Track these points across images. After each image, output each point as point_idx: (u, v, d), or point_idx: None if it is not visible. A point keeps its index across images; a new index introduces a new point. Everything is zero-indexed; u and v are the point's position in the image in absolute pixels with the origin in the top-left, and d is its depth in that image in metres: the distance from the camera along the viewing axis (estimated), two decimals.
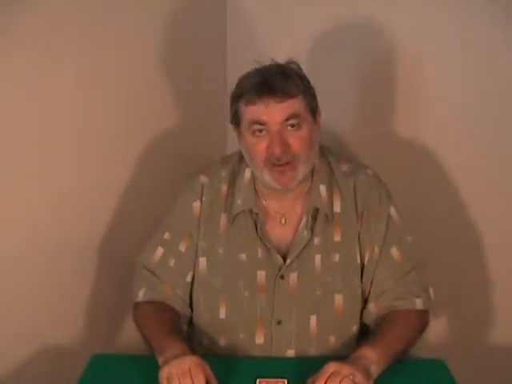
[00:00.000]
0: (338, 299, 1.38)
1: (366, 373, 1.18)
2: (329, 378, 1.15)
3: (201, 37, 1.85)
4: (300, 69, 1.37)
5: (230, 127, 1.93)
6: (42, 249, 1.45)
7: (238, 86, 1.36)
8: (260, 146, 1.32)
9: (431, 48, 1.66)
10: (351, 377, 1.15)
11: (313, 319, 1.38)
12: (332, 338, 1.39)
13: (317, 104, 1.38)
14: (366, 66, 1.76)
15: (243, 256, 1.40)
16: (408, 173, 1.70)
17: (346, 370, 1.16)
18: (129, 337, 1.68)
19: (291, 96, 1.30)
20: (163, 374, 1.17)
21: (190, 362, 1.18)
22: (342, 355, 1.26)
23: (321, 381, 1.15)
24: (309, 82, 1.36)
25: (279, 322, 1.38)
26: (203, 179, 1.45)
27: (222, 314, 1.40)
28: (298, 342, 1.38)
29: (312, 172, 1.41)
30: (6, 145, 1.35)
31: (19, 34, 1.34)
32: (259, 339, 1.38)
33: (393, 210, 1.42)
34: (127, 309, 1.68)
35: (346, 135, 1.78)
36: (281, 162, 1.31)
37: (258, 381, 1.24)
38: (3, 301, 1.38)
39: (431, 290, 1.41)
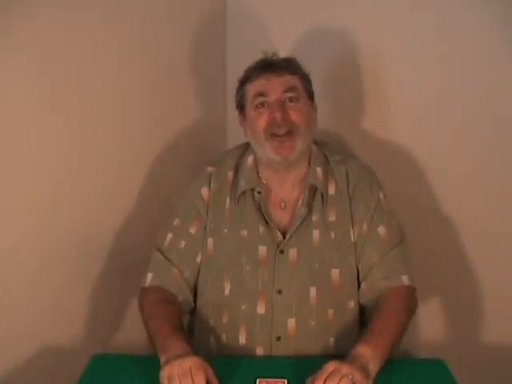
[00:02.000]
0: (335, 274, 1.43)
1: (365, 372, 1.19)
2: (328, 376, 1.16)
3: (201, 37, 1.85)
4: (299, 63, 1.49)
5: (230, 127, 1.97)
6: (42, 249, 1.45)
7: (244, 72, 1.48)
8: (262, 119, 1.42)
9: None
10: (350, 376, 1.16)
11: (312, 290, 1.42)
12: (330, 312, 1.43)
13: (313, 93, 1.49)
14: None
15: (245, 232, 1.45)
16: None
17: (345, 368, 1.17)
18: (129, 337, 1.68)
19: (290, 73, 1.44)
20: (164, 373, 1.18)
21: (191, 362, 1.19)
22: (341, 354, 1.27)
23: (320, 380, 1.16)
24: (306, 73, 1.49)
25: (280, 292, 1.41)
26: (210, 169, 1.52)
27: (227, 291, 1.44)
28: (298, 310, 1.41)
29: (309, 158, 1.49)
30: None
31: (19, 35, 1.34)
32: (260, 309, 1.42)
33: (381, 195, 1.49)
34: (127, 309, 1.68)
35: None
36: (281, 131, 1.40)
37: (258, 381, 1.24)
38: (3, 301, 1.38)
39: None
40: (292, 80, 1.43)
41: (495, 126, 1.63)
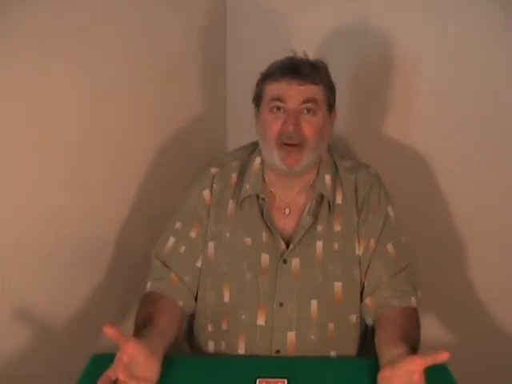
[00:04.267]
0: (338, 287, 1.41)
1: None
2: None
3: (201, 36, 1.85)
4: (326, 67, 1.44)
5: (230, 127, 1.97)
6: (42, 248, 1.45)
7: (268, 67, 1.43)
8: (275, 124, 1.38)
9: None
10: None
11: (313, 304, 1.40)
12: (331, 325, 1.41)
13: (334, 102, 1.45)
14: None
15: (248, 239, 1.43)
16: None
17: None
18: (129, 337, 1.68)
19: (313, 82, 1.38)
20: None
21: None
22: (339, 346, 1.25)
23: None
24: (331, 81, 1.44)
25: (281, 304, 1.40)
26: (213, 170, 1.49)
27: (226, 298, 1.43)
28: (298, 324, 1.39)
29: (319, 164, 1.46)
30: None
31: (20, 35, 1.34)
32: (261, 320, 1.40)
33: (390, 210, 1.46)
34: (128, 309, 1.68)
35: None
36: (291, 141, 1.36)
37: (257, 381, 1.23)
38: (3, 300, 1.38)
39: (419, 292, 1.43)
40: (314, 90, 1.37)
41: None
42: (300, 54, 1.44)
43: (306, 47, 1.73)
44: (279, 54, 1.47)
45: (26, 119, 1.38)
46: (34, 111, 1.39)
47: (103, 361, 1.34)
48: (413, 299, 1.40)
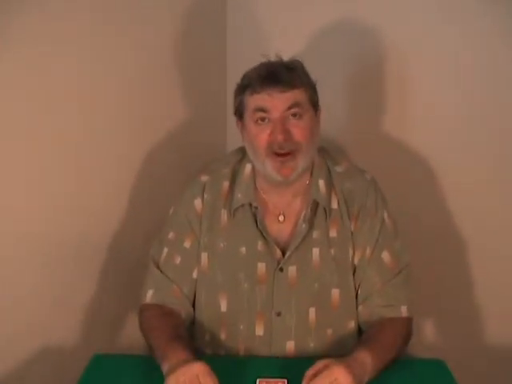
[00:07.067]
0: (335, 294, 1.40)
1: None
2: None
3: (201, 36, 1.85)
4: (303, 66, 1.40)
5: (230, 127, 1.96)
6: (42, 248, 1.45)
7: (243, 77, 1.39)
8: (262, 135, 1.34)
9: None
10: None
11: (312, 311, 1.39)
12: (329, 332, 1.40)
13: (318, 99, 1.41)
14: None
15: (243, 249, 1.41)
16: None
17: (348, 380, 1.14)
18: (129, 337, 1.68)
19: (294, 87, 1.34)
20: (170, 382, 1.14)
21: (198, 368, 1.15)
22: (340, 353, 1.26)
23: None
24: (310, 78, 1.40)
25: (279, 314, 1.39)
26: (204, 178, 1.47)
27: (223, 308, 1.41)
28: (297, 333, 1.39)
29: (312, 168, 1.43)
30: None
31: (20, 35, 1.34)
32: (259, 331, 1.39)
33: (386, 215, 1.43)
34: (128, 309, 1.68)
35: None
36: (283, 151, 1.33)
37: (258, 381, 1.23)
38: (3, 301, 1.38)
39: (409, 302, 1.40)
40: (296, 95, 1.33)
41: None
42: (274, 58, 1.39)
43: (305, 47, 1.75)
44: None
45: (26, 119, 1.38)
46: (33, 111, 1.39)
47: (103, 361, 1.35)
48: (403, 308, 1.38)
